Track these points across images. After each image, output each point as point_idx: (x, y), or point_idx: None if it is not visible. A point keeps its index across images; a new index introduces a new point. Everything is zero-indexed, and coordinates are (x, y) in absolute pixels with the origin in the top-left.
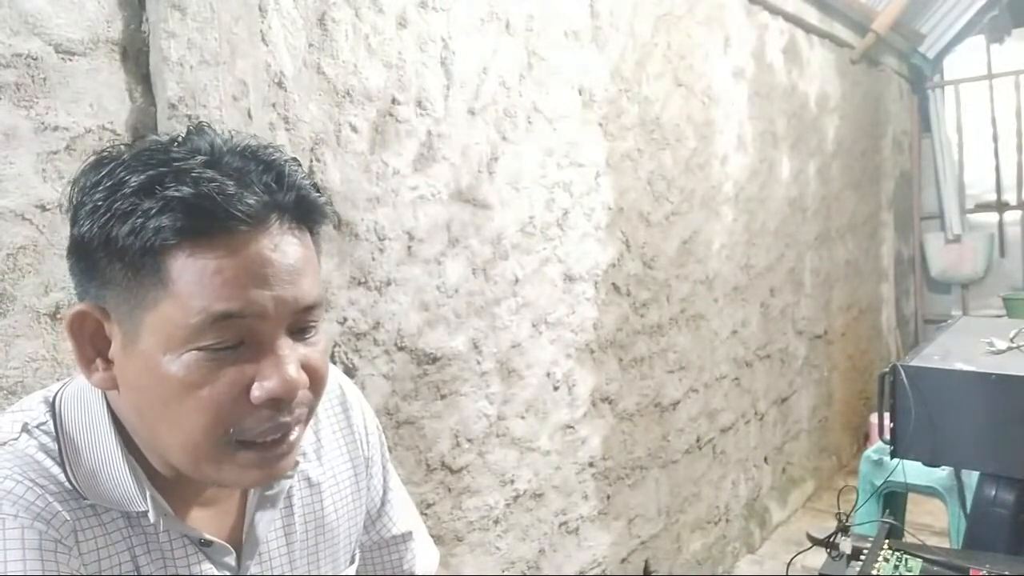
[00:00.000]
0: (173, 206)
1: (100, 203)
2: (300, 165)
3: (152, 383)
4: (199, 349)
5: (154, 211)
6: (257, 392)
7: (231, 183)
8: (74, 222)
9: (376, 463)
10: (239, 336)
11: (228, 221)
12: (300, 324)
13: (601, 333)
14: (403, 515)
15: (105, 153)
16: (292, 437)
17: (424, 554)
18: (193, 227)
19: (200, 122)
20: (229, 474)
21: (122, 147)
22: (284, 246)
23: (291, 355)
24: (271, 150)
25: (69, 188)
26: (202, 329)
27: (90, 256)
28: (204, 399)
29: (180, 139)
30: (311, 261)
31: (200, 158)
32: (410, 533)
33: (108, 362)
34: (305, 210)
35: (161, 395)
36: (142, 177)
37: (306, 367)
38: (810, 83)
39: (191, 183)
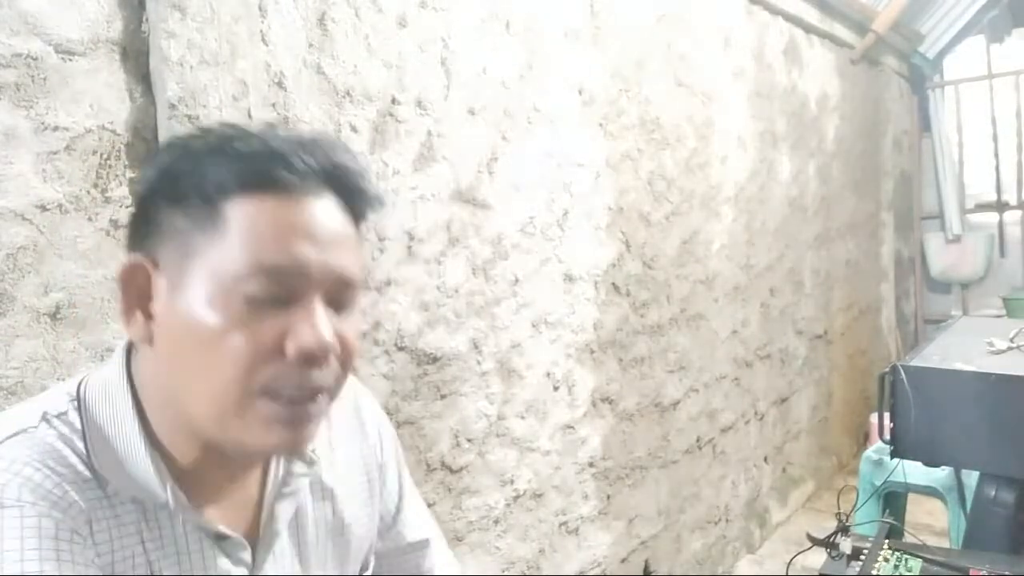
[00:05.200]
0: (237, 158)
1: (166, 163)
2: (357, 155)
3: (190, 330)
4: (242, 298)
5: (219, 163)
6: (291, 346)
7: (296, 145)
8: (140, 183)
9: (391, 469)
10: (281, 291)
11: (289, 176)
12: (338, 297)
13: (601, 333)
14: (419, 522)
15: (174, 139)
16: (318, 401)
17: (443, 564)
18: (253, 177)
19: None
20: (252, 430)
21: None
22: (335, 214)
23: (326, 319)
24: (335, 141)
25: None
26: (248, 279)
27: (151, 208)
28: (238, 348)
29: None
30: (355, 243)
31: (267, 126)
32: (427, 541)
33: (148, 317)
34: (357, 195)
35: (197, 342)
36: (210, 139)
37: (339, 338)
38: (810, 83)
39: (258, 142)
